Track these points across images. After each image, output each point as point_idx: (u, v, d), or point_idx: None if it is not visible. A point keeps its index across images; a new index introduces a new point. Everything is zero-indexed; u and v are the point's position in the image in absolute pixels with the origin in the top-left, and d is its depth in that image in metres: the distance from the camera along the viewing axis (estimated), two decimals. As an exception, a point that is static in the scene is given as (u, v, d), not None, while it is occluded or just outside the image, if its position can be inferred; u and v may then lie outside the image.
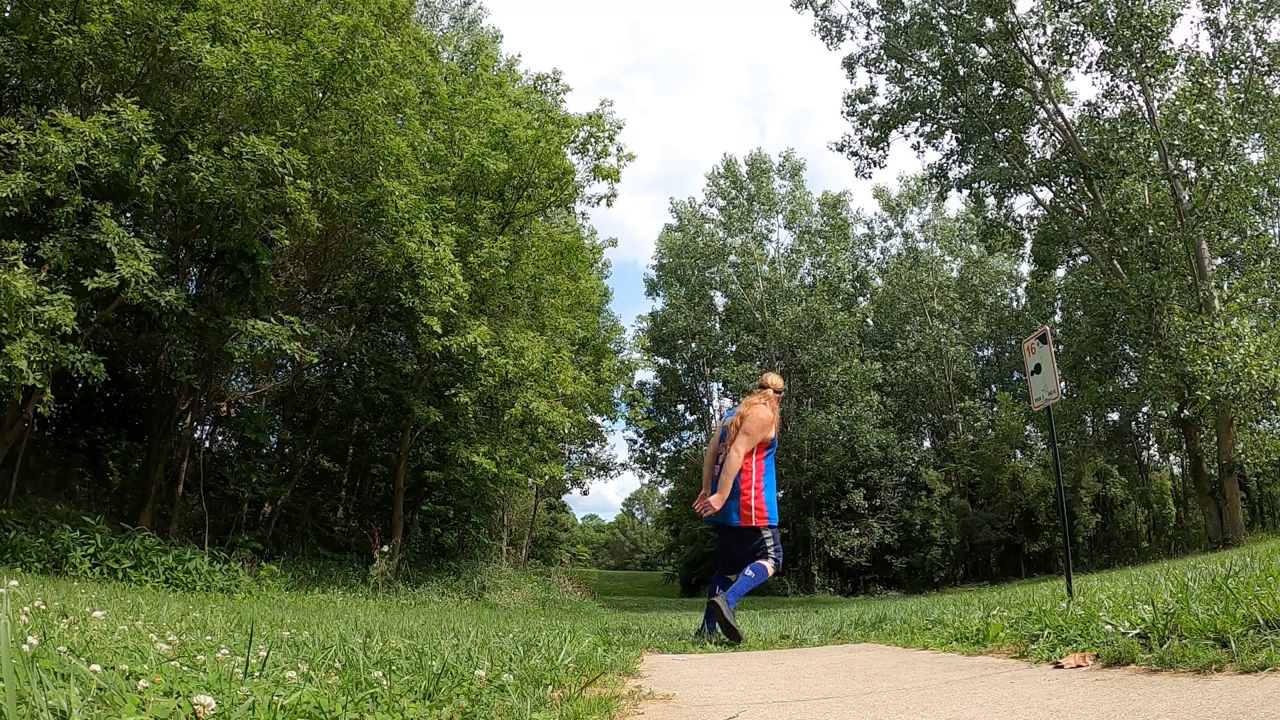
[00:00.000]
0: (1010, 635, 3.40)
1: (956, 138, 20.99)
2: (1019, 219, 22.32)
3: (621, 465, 41.05)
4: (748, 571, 4.92)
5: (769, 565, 4.96)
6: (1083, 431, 27.62)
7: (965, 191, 22.02)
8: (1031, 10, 18.78)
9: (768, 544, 5.01)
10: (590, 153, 17.84)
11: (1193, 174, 17.26)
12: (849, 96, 21.93)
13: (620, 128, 18.66)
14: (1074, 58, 18.81)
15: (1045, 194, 20.82)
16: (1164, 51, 16.77)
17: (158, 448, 13.08)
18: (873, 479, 31.64)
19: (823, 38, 21.75)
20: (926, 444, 36.59)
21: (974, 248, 35.65)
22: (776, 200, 38.75)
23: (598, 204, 35.12)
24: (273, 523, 14.97)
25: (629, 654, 3.91)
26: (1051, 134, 20.18)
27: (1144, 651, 2.39)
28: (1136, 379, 22.05)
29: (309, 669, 2.26)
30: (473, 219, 15.49)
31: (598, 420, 28.75)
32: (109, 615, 3.61)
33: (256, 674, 2.06)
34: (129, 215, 11.99)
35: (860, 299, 39.17)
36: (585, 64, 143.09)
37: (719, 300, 39.31)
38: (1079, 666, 2.55)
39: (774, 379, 5.36)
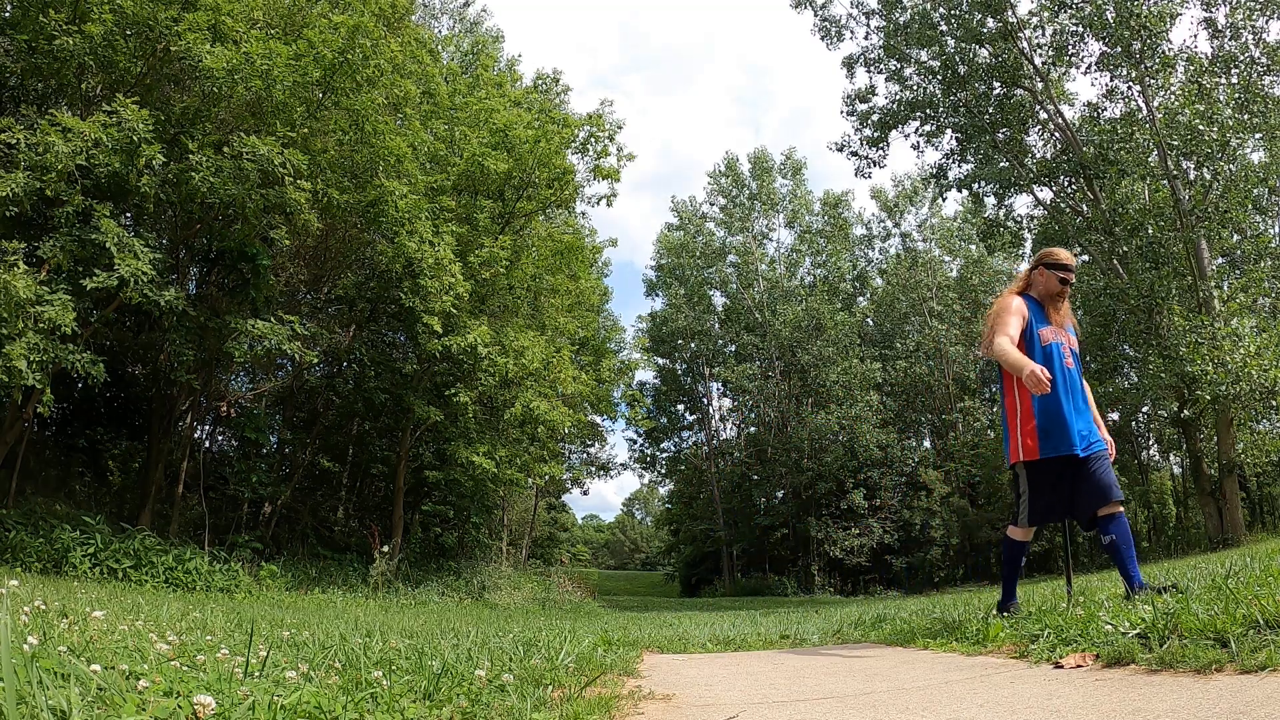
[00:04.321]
0: (1010, 635, 3.40)
1: (956, 138, 20.97)
2: (1019, 219, 22.31)
3: (621, 465, 41.03)
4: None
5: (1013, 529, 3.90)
6: (1083, 431, 27.51)
7: (965, 191, 22.01)
8: (1031, 10, 18.79)
9: (1020, 492, 3.85)
10: (590, 153, 17.88)
11: (1192, 174, 17.23)
12: (848, 96, 21.91)
13: (620, 128, 18.70)
14: (1074, 58, 18.79)
15: (1045, 194, 20.81)
16: (1163, 52, 16.76)
17: (158, 448, 13.07)
18: (873, 479, 31.64)
19: (822, 38, 21.74)
20: (926, 444, 36.55)
21: (973, 248, 35.65)
22: (778, 199, 38.75)
23: (598, 204, 35.25)
24: (273, 523, 14.96)
25: (629, 654, 3.91)
26: (1051, 134, 20.17)
27: (1144, 651, 2.39)
28: (1136, 379, 22.01)
29: (309, 669, 2.26)
30: (473, 219, 15.49)
31: (598, 420, 28.76)
32: (109, 615, 3.61)
33: (256, 674, 2.06)
34: (129, 215, 12.00)
35: (860, 299, 39.15)
36: (583, 61, 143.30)
37: (719, 300, 39.29)
38: (1079, 666, 2.55)
39: (1056, 252, 3.99)
